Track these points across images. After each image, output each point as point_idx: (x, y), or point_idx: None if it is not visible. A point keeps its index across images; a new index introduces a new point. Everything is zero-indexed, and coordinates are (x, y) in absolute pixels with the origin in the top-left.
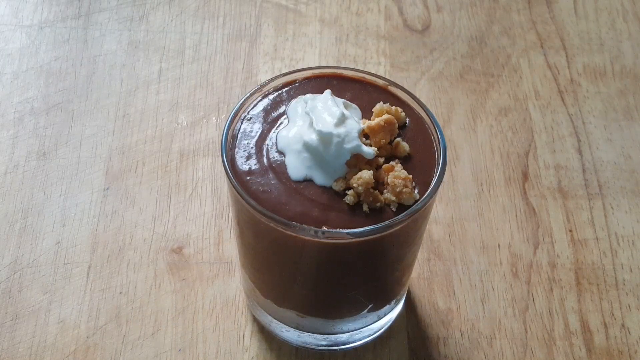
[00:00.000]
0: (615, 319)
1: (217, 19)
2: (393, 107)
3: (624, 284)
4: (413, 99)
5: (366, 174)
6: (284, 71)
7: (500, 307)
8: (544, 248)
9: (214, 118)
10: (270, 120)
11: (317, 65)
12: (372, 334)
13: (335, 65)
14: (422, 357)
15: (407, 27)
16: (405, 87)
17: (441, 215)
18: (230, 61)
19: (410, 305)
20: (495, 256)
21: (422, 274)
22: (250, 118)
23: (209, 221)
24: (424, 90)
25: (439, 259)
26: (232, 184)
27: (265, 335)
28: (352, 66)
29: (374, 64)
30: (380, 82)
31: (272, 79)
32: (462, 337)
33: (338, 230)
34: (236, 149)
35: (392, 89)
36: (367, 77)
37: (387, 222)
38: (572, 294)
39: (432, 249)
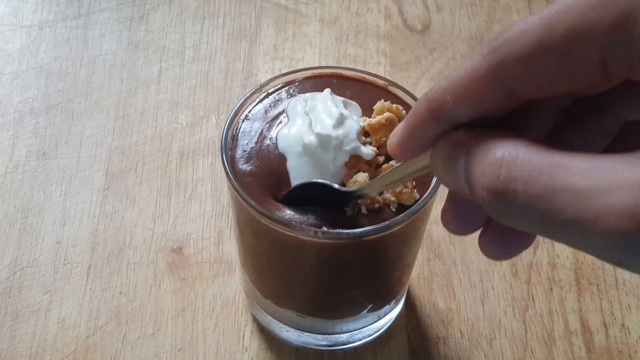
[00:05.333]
0: (615, 319)
1: (217, 19)
2: (394, 105)
3: (624, 284)
4: (413, 99)
5: (361, 177)
6: (284, 71)
7: (500, 307)
8: (543, 248)
9: (214, 118)
10: (270, 120)
11: (317, 65)
12: (372, 334)
13: (335, 65)
14: (422, 357)
15: (407, 27)
16: (406, 87)
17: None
18: (230, 61)
19: (410, 305)
20: None
21: (422, 274)
22: (250, 118)
23: (209, 221)
24: (424, 90)
25: (439, 258)
26: (232, 184)
27: (265, 335)
28: (352, 66)
29: (374, 64)
30: (380, 82)
31: (272, 79)
32: (462, 337)
33: (337, 230)
34: (236, 149)
35: (392, 89)
36: (367, 77)
37: (386, 222)
38: (572, 293)
39: (432, 249)
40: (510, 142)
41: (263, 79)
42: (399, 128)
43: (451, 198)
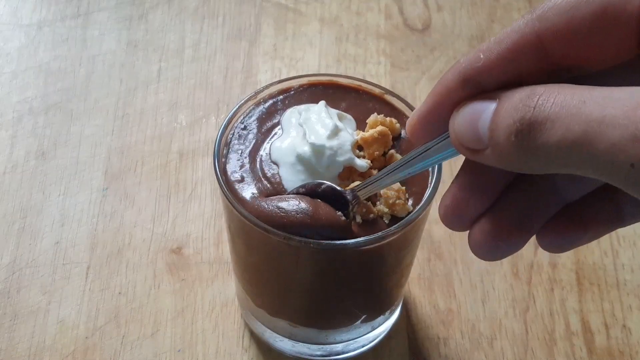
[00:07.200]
0: (616, 320)
1: (217, 18)
2: (387, 119)
3: (625, 284)
4: (409, 107)
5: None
6: (283, 71)
7: (501, 307)
8: None
9: (213, 118)
10: (265, 130)
11: (316, 64)
12: (367, 344)
13: (335, 63)
14: (422, 357)
15: (407, 26)
16: (406, 86)
17: None
18: (230, 61)
19: (410, 305)
20: None
21: (422, 274)
22: (244, 126)
23: (209, 221)
24: (424, 90)
25: (440, 259)
26: (223, 192)
27: None
28: (352, 65)
29: (374, 63)
30: (377, 90)
31: (267, 87)
32: (463, 338)
33: (329, 241)
34: (229, 157)
35: (388, 97)
36: (363, 85)
37: (379, 233)
38: (573, 294)
39: (432, 249)
40: (543, 84)
41: (263, 78)
42: (422, 103)
43: (457, 183)
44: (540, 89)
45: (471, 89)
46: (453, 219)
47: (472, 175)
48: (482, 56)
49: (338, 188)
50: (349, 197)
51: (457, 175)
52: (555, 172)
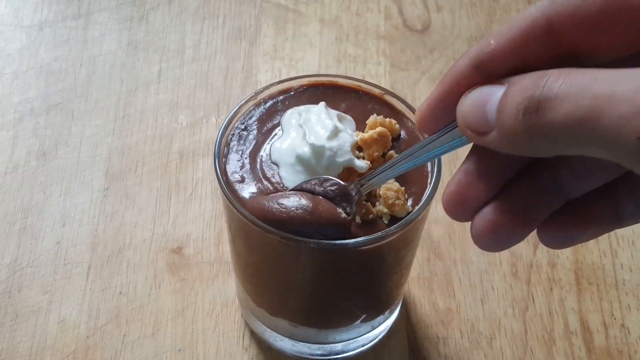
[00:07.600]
0: (615, 319)
1: (217, 18)
2: (387, 119)
3: (624, 284)
4: (408, 107)
5: None
6: (283, 71)
7: (500, 307)
8: (543, 248)
9: (213, 118)
10: (265, 131)
11: (316, 65)
12: (367, 344)
13: (335, 63)
14: (421, 357)
15: (407, 27)
16: (405, 87)
17: (441, 215)
18: (230, 61)
19: (410, 305)
20: (495, 256)
21: (422, 274)
22: (245, 127)
23: (209, 221)
24: (424, 90)
25: (439, 258)
26: (224, 192)
27: None
28: (352, 66)
29: (374, 63)
30: (376, 91)
31: (267, 87)
32: (462, 337)
33: (329, 241)
34: (229, 158)
35: (387, 98)
36: (363, 85)
37: (379, 233)
38: (571, 294)
39: (432, 249)
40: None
41: (263, 79)
42: (432, 92)
43: (462, 170)
44: (551, 71)
45: (481, 75)
46: (456, 206)
47: (477, 162)
48: (492, 42)
49: (342, 183)
50: (352, 192)
51: (463, 162)
52: (559, 153)
